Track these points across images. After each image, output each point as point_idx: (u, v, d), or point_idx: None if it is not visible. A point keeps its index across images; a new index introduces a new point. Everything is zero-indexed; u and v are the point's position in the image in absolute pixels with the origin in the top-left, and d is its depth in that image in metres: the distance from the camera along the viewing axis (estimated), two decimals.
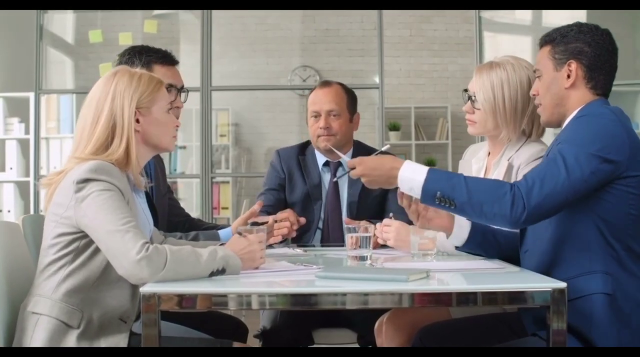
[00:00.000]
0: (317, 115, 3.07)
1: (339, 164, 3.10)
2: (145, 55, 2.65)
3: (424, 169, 1.96)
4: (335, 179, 2.56)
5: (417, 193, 1.97)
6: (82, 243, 1.94)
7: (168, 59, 2.70)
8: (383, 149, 2.34)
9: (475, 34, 5.24)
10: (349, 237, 2.21)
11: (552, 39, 2.13)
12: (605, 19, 4.53)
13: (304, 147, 3.19)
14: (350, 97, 3.13)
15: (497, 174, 2.48)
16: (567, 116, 2.11)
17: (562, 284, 1.73)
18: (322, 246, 2.99)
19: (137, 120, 2.03)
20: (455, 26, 7.60)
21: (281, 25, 7.57)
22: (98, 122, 1.99)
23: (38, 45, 5.24)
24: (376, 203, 3.05)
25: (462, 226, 2.21)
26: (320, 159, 3.12)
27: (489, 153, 2.60)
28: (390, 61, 6.82)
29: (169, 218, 2.81)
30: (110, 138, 2.00)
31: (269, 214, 2.99)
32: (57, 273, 1.95)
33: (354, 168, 2.09)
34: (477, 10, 5.33)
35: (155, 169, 2.73)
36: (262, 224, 2.53)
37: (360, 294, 1.70)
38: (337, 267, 2.10)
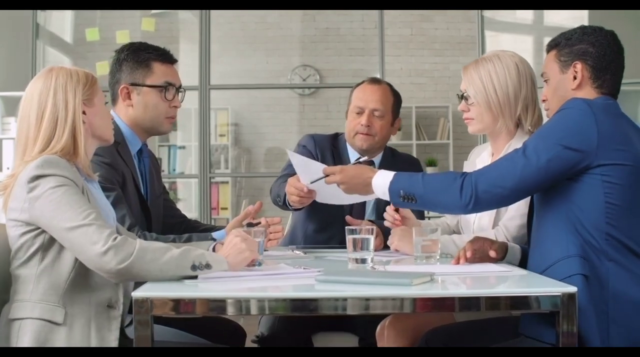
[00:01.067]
0: (360, 112, 2.96)
1: (371, 163, 3.00)
2: (144, 52, 2.59)
3: (391, 174, 2.12)
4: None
5: (387, 196, 2.12)
6: (47, 237, 1.90)
7: (167, 57, 2.63)
8: (361, 160, 2.47)
9: (478, 33, 5.19)
10: (349, 239, 2.15)
11: (557, 43, 2.15)
12: (609, 18, 4.48)
13: (335, 138, 3.09)
14: (397, 100, 3.04)
15: None
16: None
17: (572, 288, 1.67)
18: (340, 244, 2.91)
19: (84, 112, 2.01)
20: (456, 25, 7.55)
21: (281, 24, 7.52)
22: (42, 119, 1.96)
23: (34, 44, 5.17)
24: None
25: (514, 252, 2.23)
26: (353, 154, 3.01)
27: (493, 153, 2.57)
28: (391, 60, 6.76)
29: (165, 220, 2.75)
30: (54, 132, 1.96)
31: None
32: (30, 275, 1.90)
33: (328, 175, 2.26)
34: (479, 10, 5.26)
35: (150, 170, 2.66)
36: (257, 225, 2.47)
37: (362, 298, 1.64)
38: (337, 271, 2.03)
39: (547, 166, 1.94)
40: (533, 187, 1.99)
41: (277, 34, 7.56)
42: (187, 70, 5.02)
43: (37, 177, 1.86)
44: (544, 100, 2.21)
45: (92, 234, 1.79)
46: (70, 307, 1.89)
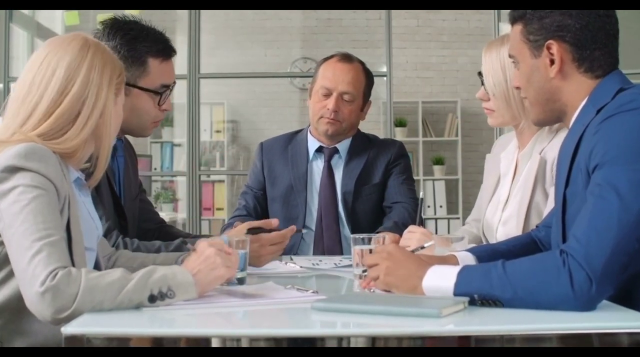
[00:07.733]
0: (327, 94, 2.63)
1: (335, 150, 2.68)
2: (141, 45, 2.14)
3: (452, 270, 1.47)
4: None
5: None
6: (3, 251, 1.51)
7: (166, 51, 2.20)
8: (425, 245, 1.79)
9: (494, 24, 4.80)
10: (356, 251, 1.74)
11: (521, 15, 1.65)
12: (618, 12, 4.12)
13: (295, 134, 2.78)
14: (369, 81, 2.71)
15: (528, 169, 2.11)
16: (569, 112, 1.63)
17: None
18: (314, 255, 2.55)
19: None
20: (465, 16, 7.27)
21: (280, 14, 7.23)
22: (64, 95, 1.58)
23: (7, 28, 4.74)
24: (376, 192, 2.64)
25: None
26: (313, 144, 2.70)
27: (519, 147, 2.22)
28: (396, 53, 6.43)
29: (140, 224, 2.36)
30: (74, 119, 1.59)
31: (243, 219, 2.56)
32: None
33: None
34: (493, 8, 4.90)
35: (126, 166, 2.28)
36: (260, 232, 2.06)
37: (367, 337, 1.23)
38: (342, 295, 1.62)
39: None
40: None
41: (276, 24, 7.28)
42: (176, 61, 4.62)
43: (15, 169, 1.50)
44: (517, 88, 1.72)
45: (37, 265, 1.39)
46: (9, 343, 1.54)
